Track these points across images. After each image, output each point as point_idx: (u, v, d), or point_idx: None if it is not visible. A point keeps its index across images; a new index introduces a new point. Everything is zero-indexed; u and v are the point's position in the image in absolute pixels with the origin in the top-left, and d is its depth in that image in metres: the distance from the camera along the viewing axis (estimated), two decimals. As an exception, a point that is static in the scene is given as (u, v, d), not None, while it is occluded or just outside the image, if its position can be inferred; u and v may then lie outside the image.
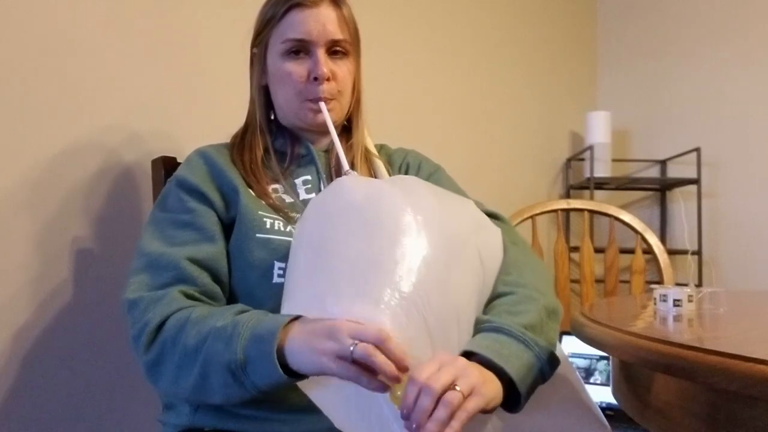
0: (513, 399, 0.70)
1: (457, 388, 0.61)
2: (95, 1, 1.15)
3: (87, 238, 1.13)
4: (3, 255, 1.04)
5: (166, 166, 1.06)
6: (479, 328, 0.74)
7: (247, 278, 0.85)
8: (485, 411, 0.65)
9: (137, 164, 1.18)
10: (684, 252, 2.08)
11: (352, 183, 0.79)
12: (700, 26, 2.15)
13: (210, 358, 0.72)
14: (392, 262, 0.69)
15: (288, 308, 0.73)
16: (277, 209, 0.90)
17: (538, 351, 0.72)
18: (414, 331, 0.66)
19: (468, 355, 0.70)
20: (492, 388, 0.66)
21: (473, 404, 0.62)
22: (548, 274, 0.88)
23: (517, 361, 0.69)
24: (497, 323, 0.73)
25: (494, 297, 0.80)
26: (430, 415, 0.60)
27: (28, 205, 1.07)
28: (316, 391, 0.69)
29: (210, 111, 1.30)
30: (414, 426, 0.59)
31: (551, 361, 0.74)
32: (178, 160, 1.07)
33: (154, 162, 1.08)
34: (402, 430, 0.61)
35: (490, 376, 0.67)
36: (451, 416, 0.60)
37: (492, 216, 0.93)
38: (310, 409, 0.80)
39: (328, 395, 0.68)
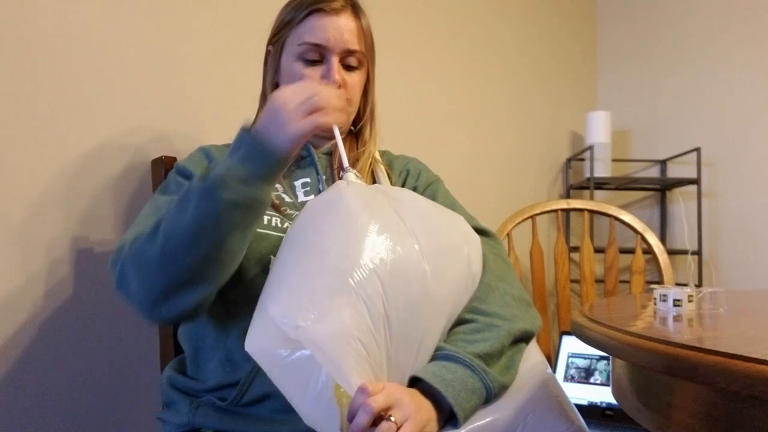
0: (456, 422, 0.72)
1: (392, 418, 0.64)
2: (100, 2, 1.15)
3: (87, 238, 1.13)
4: (3, 255, 1.04)
5: (167, 166, 1.06)
6: (434, 355, 0.76)
7: (244, 271, 0.85)
8: None
9: (137, 164, 1.18)
10: (684, 252, 2.08)
11: (349, 190, 0.78)
12: (700, 26, 2.15)
13: (171, 210, 0.76)
14: (377, 281, 0.69)
15: (268, 295, 0.72)
16: (276, 207, 0.91)
17: (483, 376, 0.74)
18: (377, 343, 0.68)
19: (414, 380, 0.73)
20: (426, 415, 0.69)
21: (408, 430, 0.65)
22: (523, 293, 0.89)
23: (459, 385, 0.72)
24: (448, 351, 0.75)
25: (457, 323, 0.81)
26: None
27: (28, 205, 1.07)
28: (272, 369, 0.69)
29: (211, 111, 1.30)
30: None
31: (499, 386, 0.76)
32: (179, 161, 1.07)
33: (154, 162, 1.08)
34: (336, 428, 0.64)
35: (426, 404, 0.71)
36: None
37: (480, 232, 0.93)
38: None
39: (281, 372, 0.68)
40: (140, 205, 1.18)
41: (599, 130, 2.14)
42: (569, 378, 1.54)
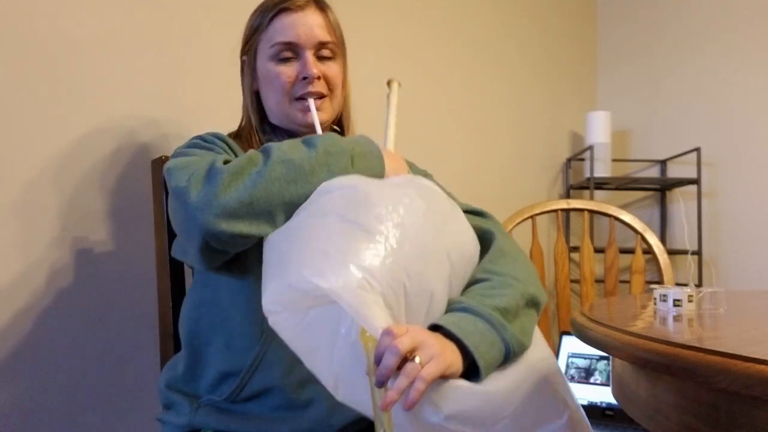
0: (475, 372, 0.72)
1: (417, 359, 0.64)
2: (101, 1, 1.15)
3: (87, 238, 1.13)
4: (2, 256, 1.04)
5: (166, 166, 1.06)
6: (449, 308, 0.76)
7: (246, 253, 0.85)
8: (446, 376, 0.67)
9: (137, 164, 1.18)
10: (684, 252, 2.08)
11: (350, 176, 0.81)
12: (700, 26, 2.15)
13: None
14: (383, 237, 0.71)
15: (279, 266, 0.73)
16: None
17: (502, 331, 0.74)
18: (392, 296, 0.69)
19: (433, 328, 0.73)
20: (450, 356, 0.69)
21: (432, 370, 0.65)
22: (532, 266, 0.91)
23: (479, 336, 0.72)
24: (466, 304, 0.76)
25: (471, 283, 0.82)
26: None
27: (28, 205, 1.07)
28: (287, 330, 0.69)
29: (210, 111, 1.30)
30: (377, 381, 0.63)
31: (518, 344, 0.76)
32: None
33: (154, 162, 1.08)
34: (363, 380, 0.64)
35: (450, 345, 0.70)
36: (411, 384, 0.63)
37: (476, 213, 0.95)
38: (307, 406, 0.80)
39: (297, 330, 0.69)
40: (140, 205, 1.18)
41: (599, 130, 2.14)
42: (569, 378, 1.54)
